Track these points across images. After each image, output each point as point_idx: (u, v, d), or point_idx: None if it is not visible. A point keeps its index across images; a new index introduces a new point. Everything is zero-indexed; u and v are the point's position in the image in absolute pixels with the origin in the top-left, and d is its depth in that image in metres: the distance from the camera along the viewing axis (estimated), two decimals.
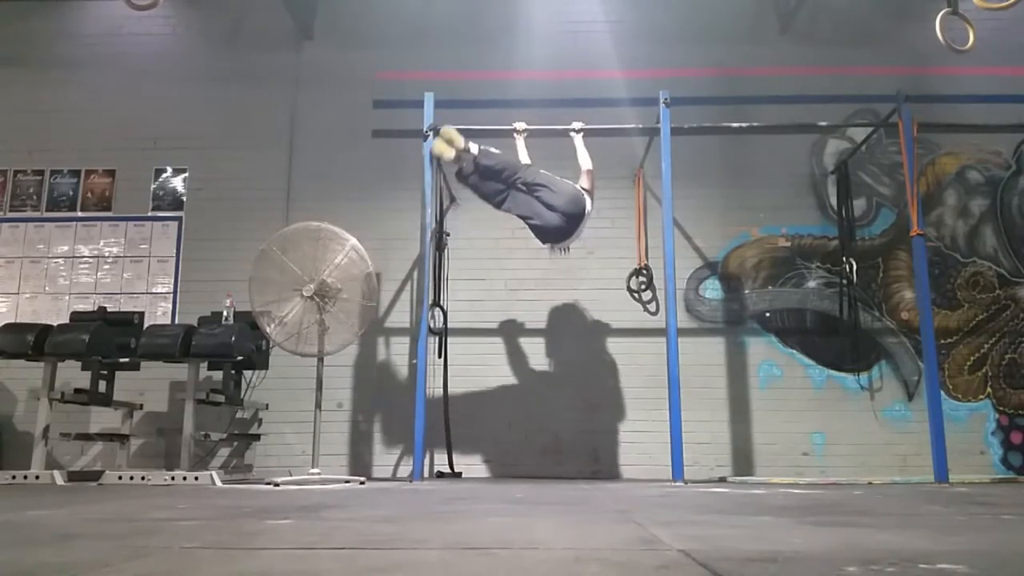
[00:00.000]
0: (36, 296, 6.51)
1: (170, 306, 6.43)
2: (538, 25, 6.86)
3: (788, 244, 6.48)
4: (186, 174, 6.71)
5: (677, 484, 4.65)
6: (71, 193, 6.70)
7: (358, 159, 6.65)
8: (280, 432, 6.10)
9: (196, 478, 4.67)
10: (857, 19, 6.88)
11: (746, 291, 6.41)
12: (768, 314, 6.37)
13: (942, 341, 6.15)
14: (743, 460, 6.08)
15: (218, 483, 4.62)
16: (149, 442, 6.07)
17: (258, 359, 5.56)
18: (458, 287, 6.18)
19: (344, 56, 6.88)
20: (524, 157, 5.18)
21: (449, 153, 5.01)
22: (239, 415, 6.07)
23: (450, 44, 6.84)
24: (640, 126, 5.80)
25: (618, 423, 6.12)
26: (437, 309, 5.71)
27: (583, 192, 4.95)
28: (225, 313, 5.30)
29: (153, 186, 6.70)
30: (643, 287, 6.34)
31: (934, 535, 1.86)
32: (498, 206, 5.07)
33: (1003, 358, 6.24)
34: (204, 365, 5.33)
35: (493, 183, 5.02)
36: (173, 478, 4.64)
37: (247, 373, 5.78)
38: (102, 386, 5.33)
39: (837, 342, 6.26)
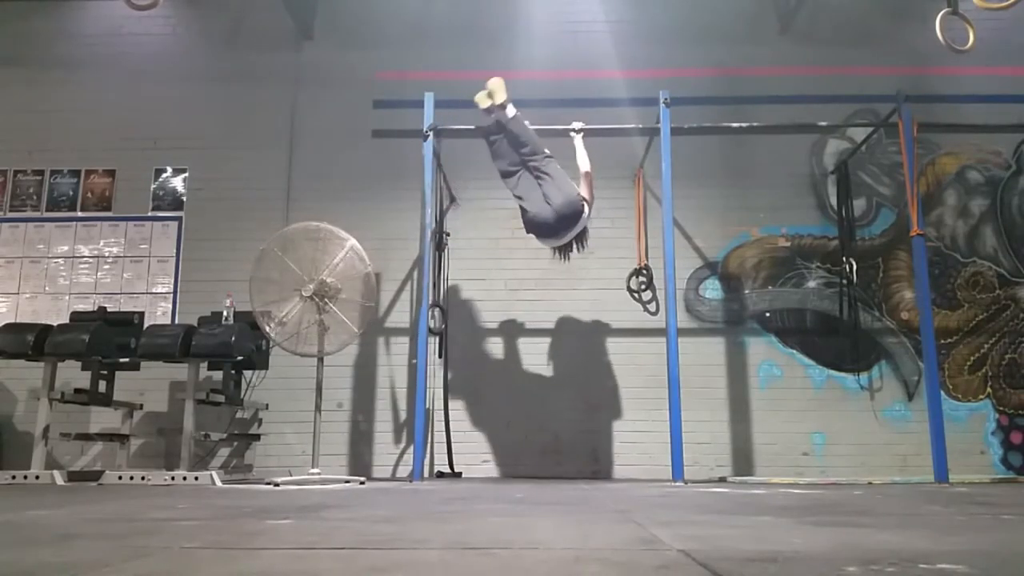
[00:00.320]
0: (36, 296, 6.51)
1: (170, 306, 6.43)
2: (538, 25, 6.86)
3: (788, 244, 6.48)
4: (186, 174, 6.71)
5: (677, 484, 4.65)
6: (71, 193, 6.70)
7: (358, 159, 6.65)
8: (280, 432, 6.10)
9: (196, 478, 4.67)
10: (857, 19, 6.88)
11: (746, 291, 6.41)
12: (768, 314, 6.37)
13: (942, 341, 6.15)
14: (743, 460, 6.08)
15: (218, 483, 4.62)
16: (149, 442, 6.07)
17: (258, 359, 5.56)
18: (458, 287, 6.18)
19: (344, 56, 6.88)
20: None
21: (484, 102, 5.07)
22: (239, 415, 6.07)
23: (450, 44, 6.84)
24: (640, 126, 5.80)
25: (618, 423, 6.12)
26: (437, 309, 5.71)
27: (583, 201, 4.94)
28: (225, 313, 5.30)
29: (153, 186, 6.70)
30: (643, 287, 6.34)
31: (934, 535, 1.86)
32: (505, 177, 5.06)
33: (1003, 358, 6.24)
34: (204, 365, 5.33)
35: (512, 155, 5.01)
36: (173, 478, 4.64)
37: (247, 373, 5.78)
38: (102, 386, 5.33)
39: (837, 342, 6.26)
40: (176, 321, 6.28)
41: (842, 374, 6.22)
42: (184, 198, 6.67)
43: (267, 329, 4.85)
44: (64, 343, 4.94)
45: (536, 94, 6.53)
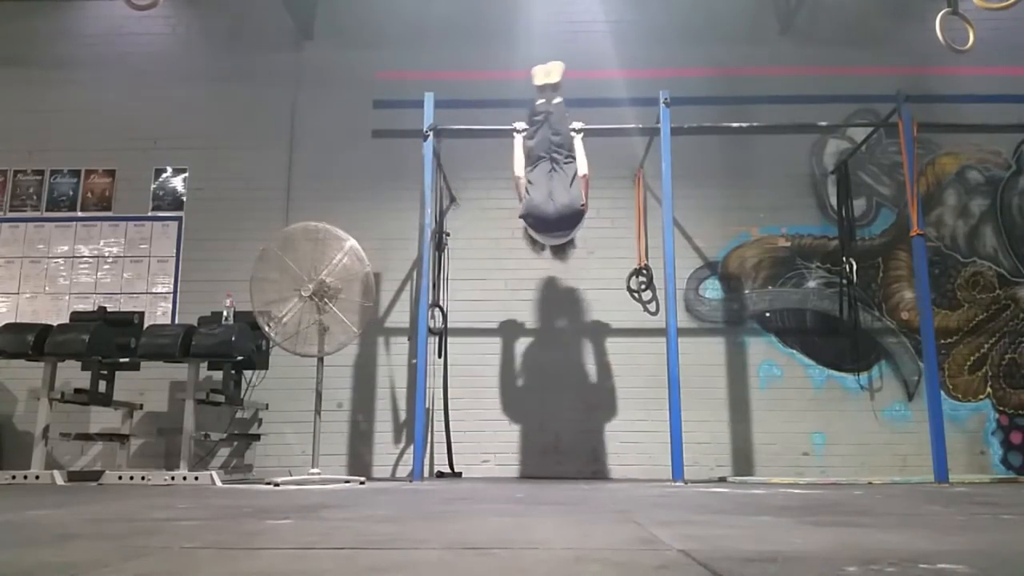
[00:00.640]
0: (36, 296, 6.51)
1: (170, 306, 6.43)
2: (538, 25, 6.86)
3: (788, 244, 6.48)
4: (186, 174, 6.71)
5: (677, 484, 4.65)
6: (71, 193, 6.70)
7: (358, 159, 6.65)
8: (280, 432, 6.10)
9: (196, 478, 4.67)
10: (857, 19, 6.88)
11: (746, 291, 6.41)
12: (768, 314, 6.37)
13: (942, 341, 6.15)
14: (743, 460, 6.08)
15: (218, 483, 4.62)
16: (149, 442, 6.07)
17: (258, 359, 5.56)
18: (458, 287, 6.18)
19: (344, 56, 6.88)
20: (521, 158, 5.16)
21: (540, 78, 5.17)
22: (239, 415, 6.07)
23: (450, 44, 6.84)
24: (640, 126, 5.80)
25: (618, 423, 6.12)
26: (436, 309, 5.71)
27: (584, 208, 4.96)
28: (225, 313, 5.30)
29: (153, 186, 6.70)
30: (643, 287, 6.34)
31: (934, 535, 1.86)
32: (532, 164, 5.06)
33: (1003, 358, 6.24)
34: (204, 365, 5.33)
35: (546, 142, 5.05)
36: (173, 478, 4.64)
37: (247, 373, 5.78)
38: (102, 386, 5.33)
39: (837, 342, 6.26)
40: (176, 321, 6.28)
41: (842, 374, 6.22)
42: (184, 198, 6.67)
43: (267, 329, 4.85)
44: (64, 343, 4.94)
45: (536, 94, 6.53)
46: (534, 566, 1.37)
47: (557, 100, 5.13)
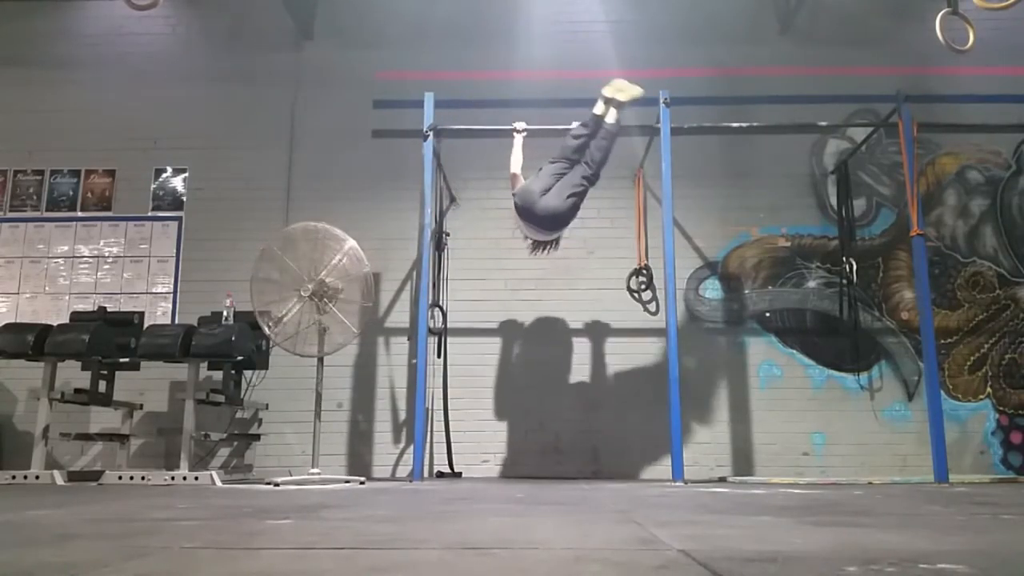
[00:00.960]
0: (36, 296, 6.51)
1: (170, 306, 6.43)
2: (538, 25, 6.86)
3: (788, 244, 6.48)
4: (186, 174, 6.71)
5: (677, 484, 4.65)
6: (71, 193, 6.70)
7: (358, 159, 6.65)
8: (280, 432, 6.10)
9: (196, 478, 4.67)
10: (857, 19, 6.88)
11: (746, 291, 6.41)
12: (768, 314, 6.37)
13: (942, 341, 6.15)
14: (743, 460, 6.08)
15: (218, 483, 4.62)
16: (149, 442, 6.07)
17: (258, 359, 5.56)
18: (458, 287, 6.18)
19: (344, 56, 6.88)
20: (518, 158, 5.16)
21: (609, 90, 5.01)
22: (239, 415, 6.07)
23: (450, 44, 6.84)
24: (640, 126, 5.80)
25: (618, 423, 6.12)
26: (436, 309, 5.71)
27: (570, 219, 4.97)
28: (225, 313, 5.30)
29: (153, 186, 6.70)
30: (643, 287, 6.34)
31: (934, 535, 1.86)
32: (556, 159, 4.99)
33: (1003, 358, 6.24)
34: (204, 365, 5.33)
35: (582, 152, 4.96)
36: (173, 478, 4.64)
37: (247, 373, 5.78)
38: (102, 386, 5.33)
39: (837, 342, 6.26)
40: (176, 321, 6.28)
41: (842, 374, 6.22)
42: (184, 198, 6.67)
43: (267, 329, 4.85)
44: (64, 343, 4.94)
45: (536, 94, 6.54)
46: (534, 566, 1.37)
47: (612, 119, 4.99)
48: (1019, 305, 6.33)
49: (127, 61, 6.96)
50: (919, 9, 6.66)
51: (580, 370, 6.26)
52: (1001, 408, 6.15)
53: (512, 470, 6.03)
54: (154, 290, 6.48)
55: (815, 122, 6.15)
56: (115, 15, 6.97)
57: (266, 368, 5.78)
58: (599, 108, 5.03)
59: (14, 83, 6.94)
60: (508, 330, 6.35)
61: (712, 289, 6.42)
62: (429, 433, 5.98)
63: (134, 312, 5.90)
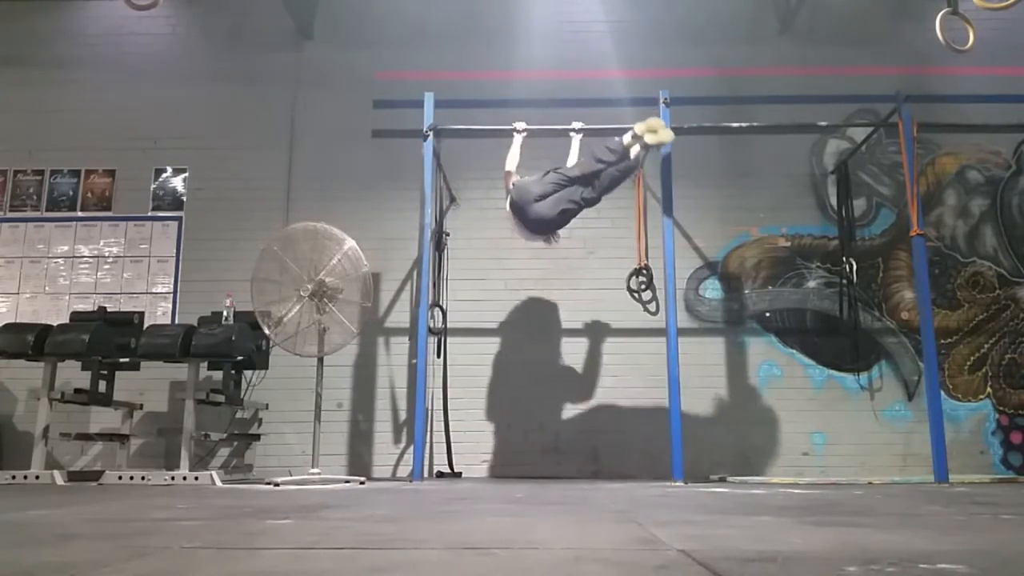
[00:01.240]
0: (36, 296, 6.51)
1: (170, 306, 6.43)
2: (538, 25, 6.86)
3: (788, 244, 6.48)
4: (186, 174, 6.71)
5: (677, 484, 4.65)
6: (71, 193, 6.70)
7: (358, 159, 6.65)
8: (280, 432, 6.10)
9: (196, 478, 4.67)
10: (857, 19, 6.88)
11: (746, 291, 6.41)
12: (768, 314, 6.37)
13: (942, 341, 6.15)
14: (743, 460, 6.07)
15: (218, 483, 4.62)
16: (149, 442, 6.07)
17: (258, 359, 5.56)
18: (458, 287, 6.18)
19: (344, 56, 6.88)
20: (516, 156, 5.17)
21: (640, 127, 4.93)
22: (239, 415, 6.07)
23: (450, 44, 6.84)
24: None
25: (618, 423, 6.12)
26: (436, 309, 5.71)
27: (552, 233, 5.05)
28: (225, 313, 5.30)
29: (153, 186, 6.70)
30: (643, 287, 6.31)
31: (934, 535, 1.86)
32: (568, 183, 4.97)
33: (1003, 358, 6.24)
34: (204, 365, 5.33)
35: (597, 176, 4.94)
36: (173, 478, 4.64)
37: (247, 373, 5.78)
38: (102, 386, 5.33)
39: (837, 342, 6.26)
40: (176, 321, 6.28)
41: (842, 374, 6.22)
42: (184, 198, 6.66)
43: (267, 329, 4.85)
44: (64, 343, 4.94)
45: (536, 94, 6.54)
46: (534, 566, 1.37)
47: (635, 155, 4.96)
48: (1019, 305, 6.33)
49: (127, 61, 6.96)
50: (919, 9, 6.67)
51: (580, 370, 6.26)
52: (1001, 408, 6.15)
53: (512, 470, 6.03)
54: (154, 290, 6.48)
55: (815, 122, 6.15)
56: (115, 15, 6.96)
57: (266, 368, 5.77)
58: (627, 139, 4.96)
59: (14, 83, 6.94)
60: (508, 330, 6.35)
61: (712, 289, 6.42)
62: (429, 433, 5.97)
63: (134, 312, 5.90)
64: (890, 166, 6.56)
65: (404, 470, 6.00)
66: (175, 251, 6.55)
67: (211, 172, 6.68)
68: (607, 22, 6.92)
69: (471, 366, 6.19)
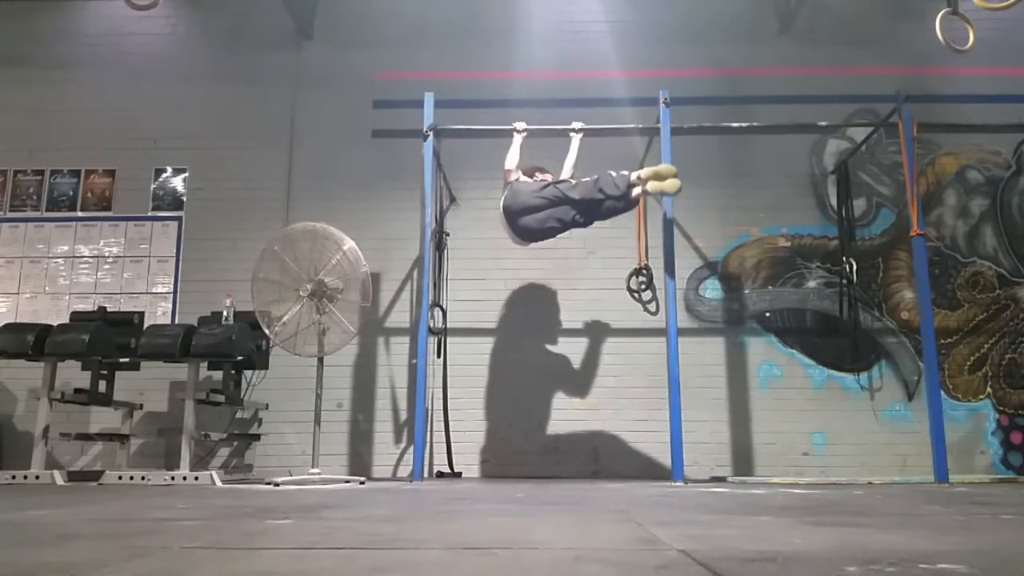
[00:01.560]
0: (36, 296, 6.51)
1: (170, 306, 6.43)
2: (538, 25, 6.86)
3: (788, 244, 6.48)
4: (186, 174, 6.71)
5: (677, 484, 4.65)
6: (71, 193, 6.70)
7: (358, 159, 6.65)
8: (280, 432, 6.10)
9: (196, 478, 4.67)
10: (857, 19, 6.88)
11: (746, 291, 6.41)
12: (768, 314, 6.37)
13: (942, 341, 6.15)
14: (743, 460, 6.08)
15: (218, 483, 4.62)
16: (149, 442, 6.07)
17: (258, 359, 5.56)
18: (458, 287, 6.18)
19: (344, 56, 6.88)
20: (515, 155, 5.17)
21: (647, 173, 4.88)
22: (239, 415, 6.07)
23: (450, 44, 6.84)
24: (640, 126, 5.80)
25: (618, 423, 6.12)
26: (437, 309, 5.71)
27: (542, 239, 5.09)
28: (225, 313, 5.30)
29: (153, 186, 6.70)
30: (643, 287, 6.31)
31: (934, 535, 1.86)
32: (563, 200, 4.96)
33: (1003, 358, 6.24)
34: (204, 365, 5.33)
35: (596, 206, 4.94)
36: (173, 478, 4.64)
37: (247, 373, 5.77)
38: (102, 386, 5.33)
39: (837, 342, 6.26)
40: (176, 321, 6.28)
41: (842, 374, 6.22)
42: (184, 198, 6.67)
43: (267, 329, 4.85)
44: (64, 343, 4.94)
45: (536, 94, 6.55)
46: (534, 566, 1.37)
47: (636, 194, 4.89)
48: (1019, 305, 6.33)
49: (127, 61, 6.96)
50: (919, 9, 6.67)
51: (580, 370, 6.26)
52: (1001, 408, 6.15)
53: (512, 470, 6.03)
54: (154, 290, 6.48)
55: (815, 122, 6.15)
56: (115, 15, 6.96)
57: (266, 368, 5.77)
58: (634, 177, 4.88)
59: (14, 83, 6.94)
60: (508, 330, 6.35)
61: (712, 289, 6.42)
62: (429, 433, 5.97)
63: (134, 312, 5.90)
64: (890, 166, 6.56)
65: (404, 470, 6.00)
66: (175, 251, 6.55)
67: (211, 172, 6.68)
68: (607, 22, 6.92)
69: (471, 366, 6.19)
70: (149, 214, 6.64)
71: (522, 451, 6.09)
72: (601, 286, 6.32)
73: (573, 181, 5.00)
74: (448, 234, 6.07)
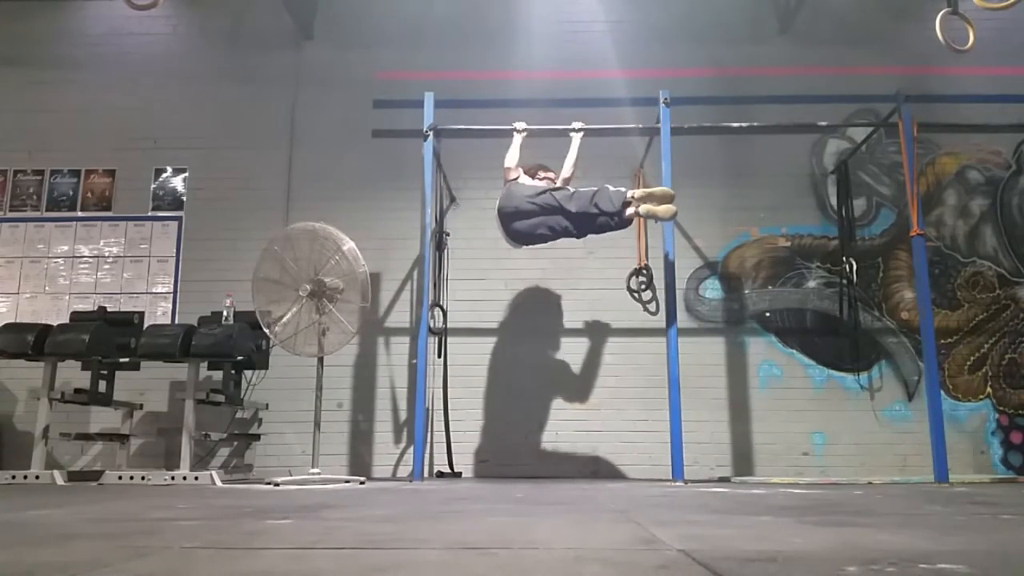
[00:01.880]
0: (36, 296, 6.51)
1: (170, 306, 6.43)
2: (538, 25, 6.86)
3: (788, 244, 6.48)
4: (186, 174, 6.71)
5: (677, 484, 4.65)
6: (71, 193, 6.70)
7: (358, 159, 6.65)
8: (280, 432, 6.10)
9: (196, 478, 4.67)
10: (857, 19, 6.88)
11: (746, 291, 6.41)
12: (768, 314, 6.37)
13: (942, 341, 6.15)
14: (743, 460, 6.08)
15: (218, 483, 4.62)
16: (149, 442, 6.08)
17: (258, 359, 5.56)
18: (458, 287, 6.18)
19: (344, 56, 6.88)
20: (515, 154, 5.18)
21: (640, 190, 4.80)
22: (239, 415, 6.07)
23: (450, 44, 6.84)
24: (640, 126, 5.80)
25: (618, 423, 6.12)
26: (437, 309, 5.72)
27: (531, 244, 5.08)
28: (225, 313, 5.30)
29: (153, 186, 6.70)
30: (643, 287, 6.34)
31: (934, 535, 1.86)
32: (559, 209, 4.90)
33: (1003, 358, 6.24)
34: (204, 365, 5.33)
35: (588, 219, 4.84)
36: (173, 478, 4.64)
37: (247, 373, 5.77)
38: (102, 386, 5.33)
39: (837, 342, 6.26)
40: (176, 321, 6.28)
41: (842, 374, 6.22)
42: (184, 198, 6.67)
43: (267, 329, 4.85)
44: (64, 343, 4.94)
45: (536, 94, 6.54)
46: (534, 566, 1.37)
47: (630, 213, 4.73)
48: (1019, 305, 6.33)
49: (127, 61, 6.96)
50: (919, 9, 6.66)
51: (580, 370, 6.26)
52: (1001, 408, 6.15)
53: (512, 470, 6.03)
54: (154, 290, 6.48)
55: (815, 122, 6.15)
56: (115, 15, 6.97)
57: (266, 368, 5.77)
58: (630, 195, 4.74)
59: (14, 83, 6.94)
60: (508, 330, 6.35)
61: (712, 289, 6.42)
62: (429, 433, 5.98)
63: (134, 312, 5.90)
64: (890, 166, 6.56)
65: (404, 470, 6.00)
66: (175, 251, 6.55)
67: (211, 172, 6.68)
68: (607, 22, 6.93)
69: (471, 366, 6.19)
70: (149, 214, 6.64)
71: (522, 451, 6.09)
72: (601, 286, 6.33)
73: (571, 190, 4.91)
74: (448, 234, 6.07)
